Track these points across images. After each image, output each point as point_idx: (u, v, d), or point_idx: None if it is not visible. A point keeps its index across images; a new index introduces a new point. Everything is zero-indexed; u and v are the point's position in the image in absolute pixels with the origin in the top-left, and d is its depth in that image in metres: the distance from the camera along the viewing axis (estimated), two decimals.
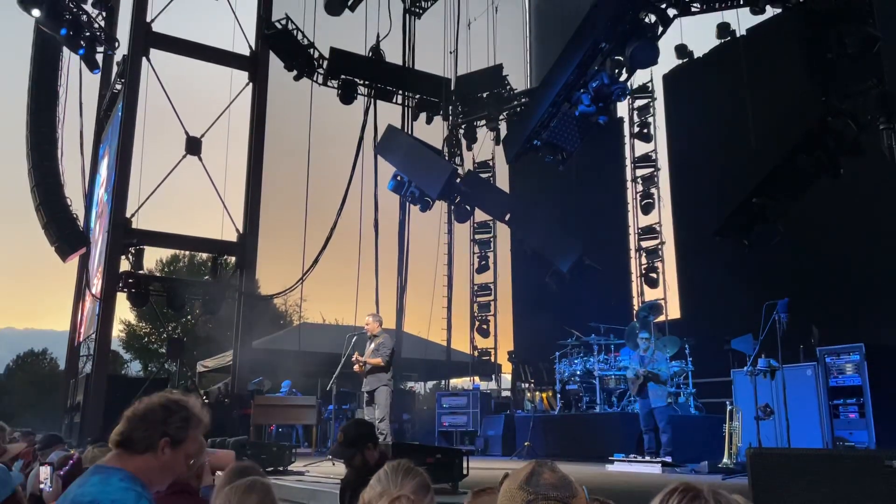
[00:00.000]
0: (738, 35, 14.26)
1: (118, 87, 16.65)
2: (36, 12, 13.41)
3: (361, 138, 16.01)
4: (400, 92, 16.64)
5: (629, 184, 17.07)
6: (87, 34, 14.28)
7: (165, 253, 37.38)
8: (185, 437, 2.14)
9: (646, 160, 16.74)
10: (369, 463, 3.88)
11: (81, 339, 17.23)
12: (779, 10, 11.56)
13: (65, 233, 15.37)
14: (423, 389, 29.43)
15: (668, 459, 9.00)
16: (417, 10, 17.62)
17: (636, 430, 10.89)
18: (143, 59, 14.96)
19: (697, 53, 15.54)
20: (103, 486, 1.97)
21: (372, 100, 16.22)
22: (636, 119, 16.90)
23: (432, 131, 16.92)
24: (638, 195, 16.71)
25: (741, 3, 11.17)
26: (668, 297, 15.68)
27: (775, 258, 11.57)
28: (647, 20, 10.02)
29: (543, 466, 1.46)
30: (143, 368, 37.37)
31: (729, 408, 8.98)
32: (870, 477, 3.57)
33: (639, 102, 16.85)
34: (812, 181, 10.18)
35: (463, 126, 17.62)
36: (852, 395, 8.84)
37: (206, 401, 14.26)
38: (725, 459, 8.50)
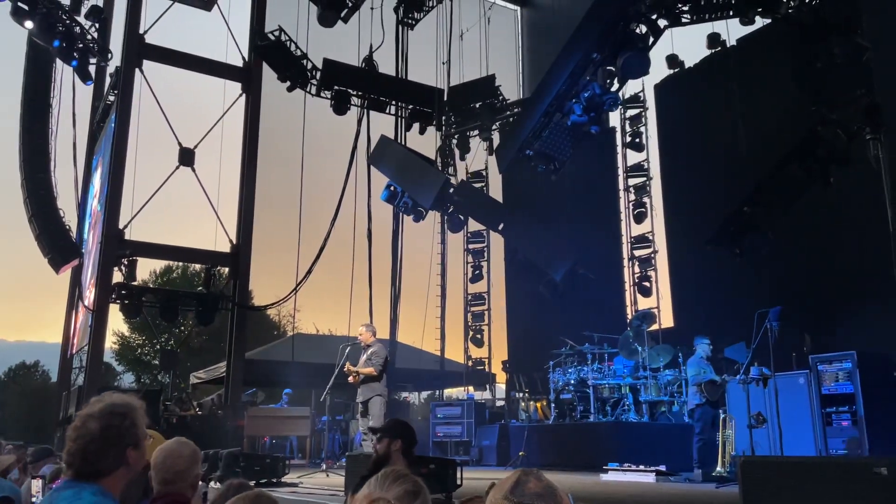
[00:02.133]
0: (728, 45, 14.35)
1: (111, 98, 16.65)
2: (29, 24, 13.43)
3: (354, 149, 16.04)
4: (393, 102, 16.67)
5: (621, 193, 17.13)
6: (80, 46, 14.29)
7: (159, 264, 37.27)
8: (141, 432, 2.18)
9: (638, 169, 16.81)
10: (379, 453, 4.54)
11: (74, 351, 17.15)
12: (768, 21, 11.66)
13: (57, 244, 15.31)
14: (418, 399, 29.37)
15: (663, 468, 9.01)
16: (410, 22, 17.71)
17: (631, 439, 10.91)
18: (137, 70, 14.98)
19: (688, 63, 15.65)
20: (75, 500, 1.98)
21: (365, 110, 16.26)
22: (628, 129, 16.97)
23: (425, 142, 16.98)
24: (630, 204, 16.76)
25: (731, 13, 11.24)
26: (661, 305, 15.73)
27: (767, 267, 11.63)
28: (638, 31, 10.09)
29: (529, 475, 1.47)
30: (136, 380, 37.18)
31: (722, 416, 9.00)
32: (859, 484, 3.59)
33: (630, 112, 16.92)
34: (803, 190, 10.25)
35: (456, 136, 17.67)
36: (845, 402, 8.87)
37: (199, 412, 14.21)
38: (719, 468, 8.52)
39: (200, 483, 3.04)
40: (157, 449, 2.94)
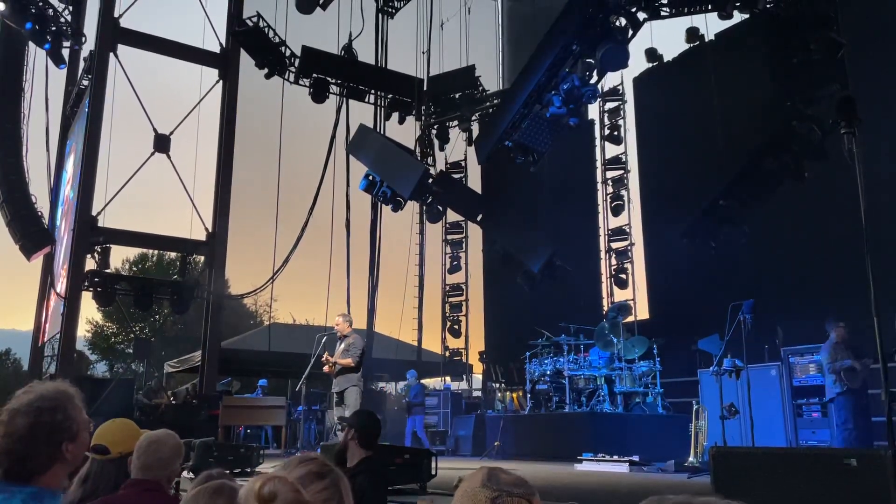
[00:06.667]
0: (706, 39, 14.46)
1: (85, 83, 16.38)
2: (0, 6, 13.15)
3: (333, 137, 15.94)
4: (372, 91, 16.59)
5: (599, 185, 17.22)
6: (53, 29, 14.01)
7: (133, 252, 36.84)
8: (77, 422, 1.99)
9: (616, 162, 16.90)
10: (341, 444, 4.41)
11: (46, 339, 16.91)
12: (746, 16, 11.73)
13: (29, 230, 15.07)
14: (394, 390, 29.37)
15: (636, 458, 9.09)
16: (390, 10, 17.60)
17: (605, 429, 10.99)
18: (111, 54, 14.74)
19: (667, 57, 15.73)
20: None
21: (344, 99, 16.16)
22: (606, 121, 17.05)
23: (404, 131, 16.92)
24: (608, 197, 16.85)
25: (709, 7, 11.30)
26: (637, 297, 15.87)
27: (742, 259, 11.76)
28: (617, 23, 10.10)
29: (496, 469, 1.47)
30: (109, 369, 36.76)
31: (695, 407, 9.10)
32: (829, 474, 3.65)
33: (609, 105, 17.00)
34: (778, 184, 10.36)
35: (435, 126, 17.63)
36: (815, 394, 9.00)
37: (174, 402, 14.10)
38: (691, 458, 8.62)
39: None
40: (144, 435, 2.90)
